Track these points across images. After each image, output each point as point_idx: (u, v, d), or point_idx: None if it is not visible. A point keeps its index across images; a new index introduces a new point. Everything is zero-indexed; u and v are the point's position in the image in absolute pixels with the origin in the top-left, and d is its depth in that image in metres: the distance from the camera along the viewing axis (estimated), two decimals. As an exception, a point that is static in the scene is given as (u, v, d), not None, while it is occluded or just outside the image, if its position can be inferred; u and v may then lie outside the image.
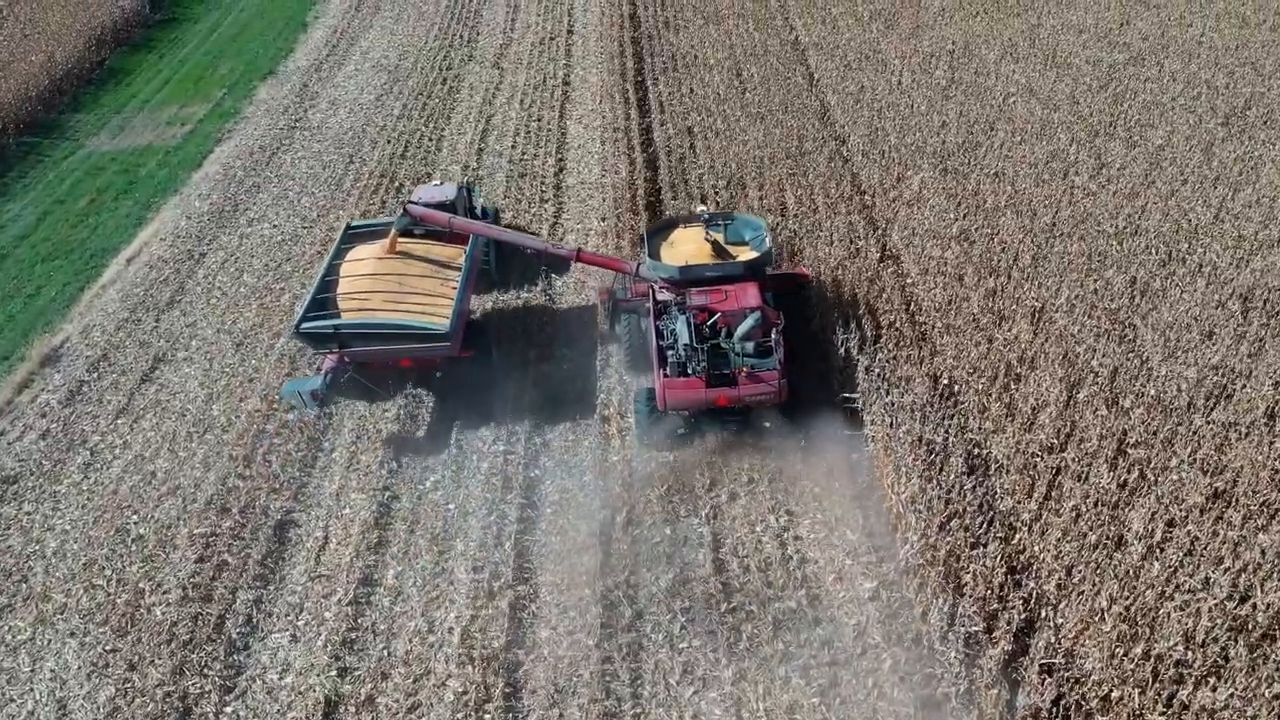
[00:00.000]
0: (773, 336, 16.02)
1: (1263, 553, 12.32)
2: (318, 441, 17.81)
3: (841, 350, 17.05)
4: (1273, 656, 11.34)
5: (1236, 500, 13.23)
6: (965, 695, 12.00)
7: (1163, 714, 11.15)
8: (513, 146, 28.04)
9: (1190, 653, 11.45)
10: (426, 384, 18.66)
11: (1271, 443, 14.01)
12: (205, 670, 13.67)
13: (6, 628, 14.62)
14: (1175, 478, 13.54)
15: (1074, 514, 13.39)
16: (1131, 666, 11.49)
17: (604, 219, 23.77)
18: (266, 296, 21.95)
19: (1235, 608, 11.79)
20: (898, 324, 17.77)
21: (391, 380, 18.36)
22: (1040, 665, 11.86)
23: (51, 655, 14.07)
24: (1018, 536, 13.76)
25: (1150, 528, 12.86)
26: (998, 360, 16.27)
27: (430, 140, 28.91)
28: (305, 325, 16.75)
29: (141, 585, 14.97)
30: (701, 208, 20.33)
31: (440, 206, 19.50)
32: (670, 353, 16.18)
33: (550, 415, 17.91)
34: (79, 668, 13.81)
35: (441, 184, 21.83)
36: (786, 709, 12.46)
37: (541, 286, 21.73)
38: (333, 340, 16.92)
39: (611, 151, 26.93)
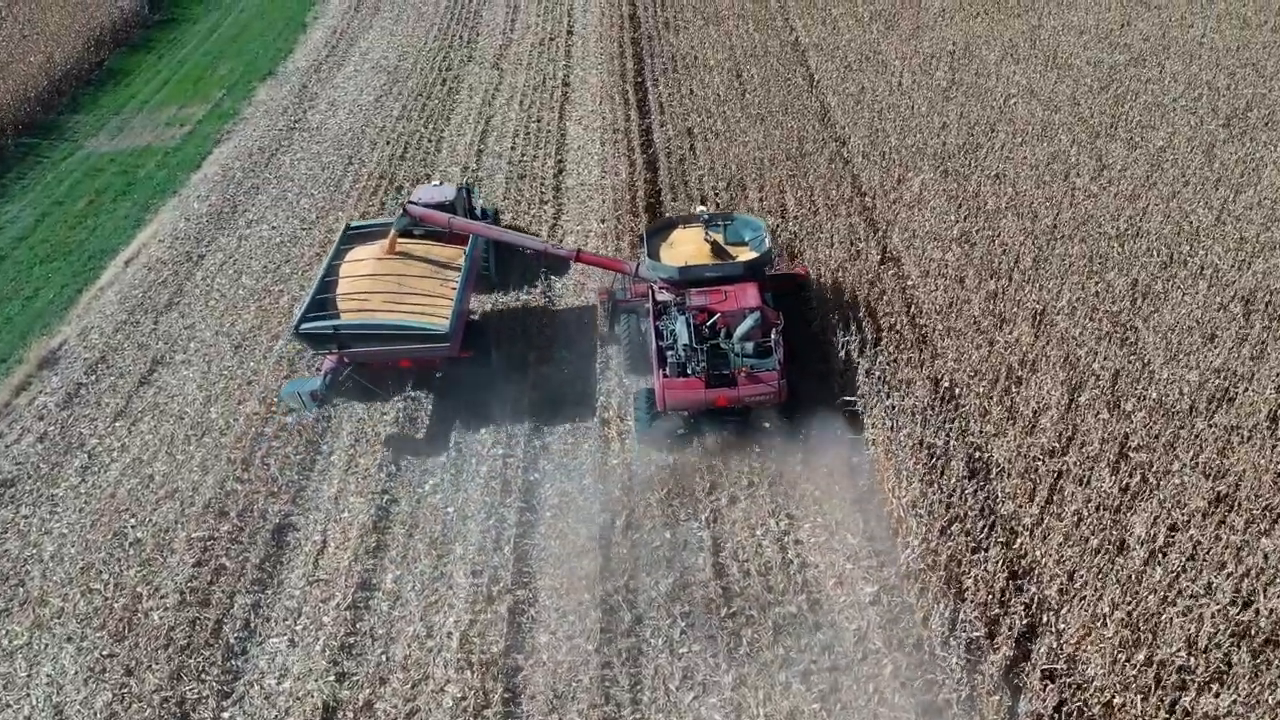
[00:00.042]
0: (772, 337, 15.99)
1: (1265, 558, 12.28)
2: (316, 444, 17.75)
3: (842, 353, 17.00)
4: (1276, 663, 11.30)
5: (1239, 505, 13.18)
6: (967, 701, 11.96)
7: (1165, 720, 11.12)
8: (512, 148, 27.98)
9: (1193, 659, 11.40)
10: (426, 385, 18.62)
11: (1274, 446, 13.96)
12: (203, 675, 13.60)
13: (3, 632, 14.55)
14: (1177, 482, 13.49)
15: (1076, 518, 13.33)
16: (1134, 672, 11.44)
17: (604, 220, 23.71)
18: (265, 298, 21.89)
19: (1238, 613, 11.74)
20: (898, 326, 17.72)
21: (391, 381, 18.34)
22: (1042, 671, 11.81)
23: (48, 660, 14.01)
24: (1019, 541, 13.69)
25: (1152, 532, 12.81)
26: (999, 363, 16.22)
27: (430, 141, 28.85)
28: (305, 326, 16.72)
29: (139, 589, 14.91)
30: (701, 208, 20.29)
31: (440, 207, 19.45)
32: (670, 353, 16.15)
33: (549, 418, 17.86)
34: (76, 673, 13.75)
35: (441, 184, 21.77)
36: (787, 714, 12.41)
37: (541, 288, 21.67)
38: (332, 341, 16.88)
39: (611, 153, 26.87)
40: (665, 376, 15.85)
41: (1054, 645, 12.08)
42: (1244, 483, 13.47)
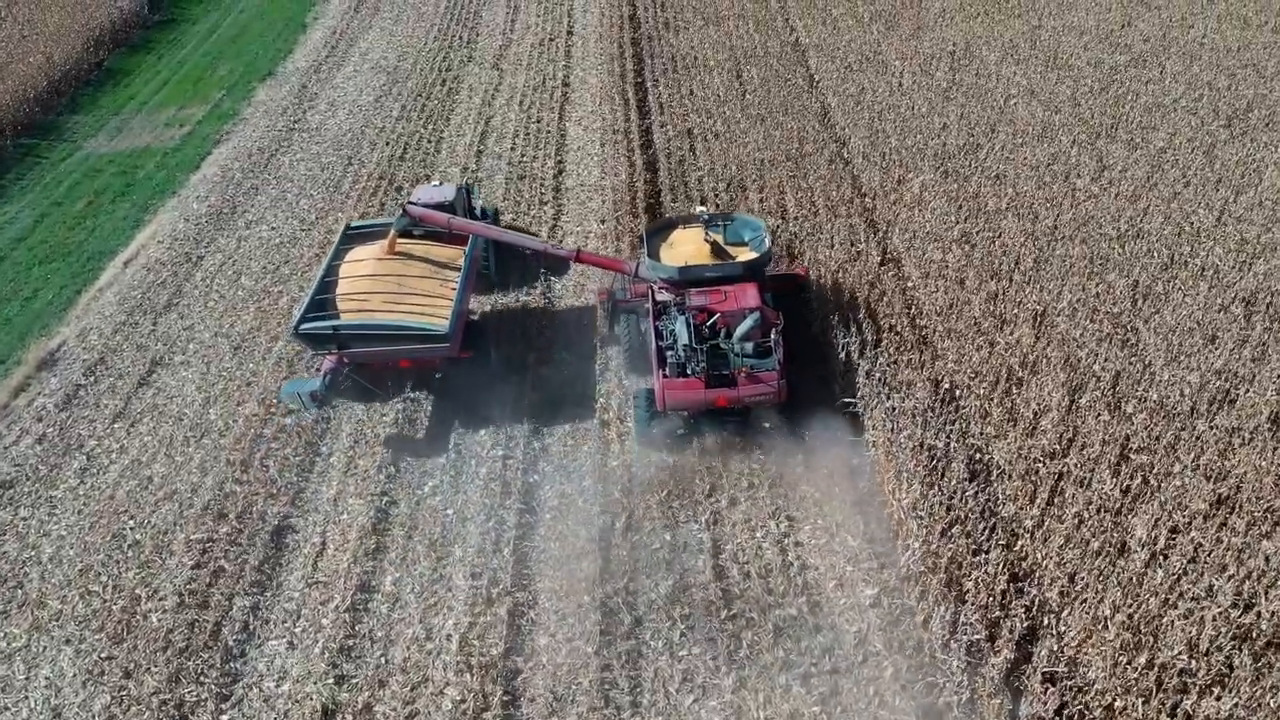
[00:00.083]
0: (772, 337, 15.97)
1: (1267, 560, 12.24)
2: (315, 446, 17.72)
3: (842, 354, 16.97)
4: (1277, 666, 11.26)
5: (1240, 507, 13.14)
6: (967, 704, 11.93)
7: (1166, 724, 11.09)
8: (512, 148, 27.95)
9: (1194, 662, 11.37)
10: (425, 386, 18.59)
11: (1275, 448, 13.93)
12: (201, 678, 13.57)
13: (2, 634, 14.51)
14: (1178, 484, 13.45)
15: (1076, 520, 13.29)
16: (1135, 675, 11.41)
17: (603, 221, 23.68)
18: (264, 299, 21.85)
19: (1239, 616, 11.70)
20: (898, 328, 17.68)
21: (390, 381, 18.32)
22: (1043, 674, 11.78)
23: (47, 662, 13.98)
24: (1020, 543, 13.66)
25: (1153, 534, 12.77)
26: (999, 365, 16.18)
27: (429, 142, 28.82)
28: (304, 326, 16.70)
29: (138, 591, 14.88)
30: (700, 208, 20.26)
31: (439, 207, 19.42)
32: (670, 353, 16.14)
33: (549, 419, 17.82)
34: (74, 675, 13.71)
35: (441, 184, 21.75)
36: (787, 717, 12.38)
37: (540, 288, 21.65)
38: (332, 341, 16.86)
39: (611, 153, 26.83)
40: (665, 377, 15.83)
41: (1055, 648, 12.05)
42: (1245, 485, 13.44)
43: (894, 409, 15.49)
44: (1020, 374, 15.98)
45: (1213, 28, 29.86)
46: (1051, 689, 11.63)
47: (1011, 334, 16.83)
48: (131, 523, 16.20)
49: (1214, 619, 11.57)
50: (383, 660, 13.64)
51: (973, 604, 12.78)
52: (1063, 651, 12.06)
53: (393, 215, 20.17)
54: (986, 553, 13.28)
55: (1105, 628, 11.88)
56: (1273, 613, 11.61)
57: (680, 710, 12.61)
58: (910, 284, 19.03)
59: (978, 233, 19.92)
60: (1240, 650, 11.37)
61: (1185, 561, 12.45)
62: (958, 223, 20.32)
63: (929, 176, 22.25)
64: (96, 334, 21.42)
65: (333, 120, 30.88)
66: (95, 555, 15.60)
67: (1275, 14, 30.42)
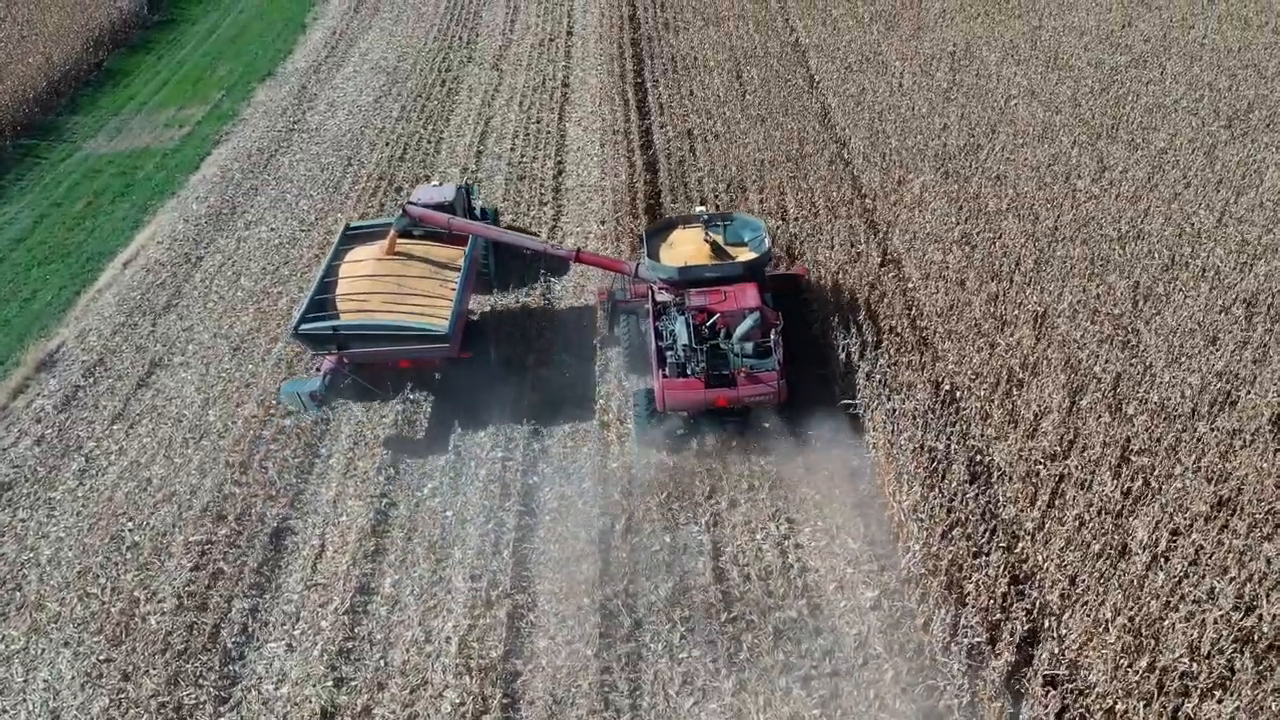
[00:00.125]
0: (772, 337, 15.94)
1: (1268, 562, 12.21)
2: (314, 447, 17.69)
3: (842, 355, 16.94)
4: (1279, 669, 11.21)
5: (1241, 509, 13.11)
6: (968, 708, 11.89)
7: (1168, 727, 11.05)
8: (512, 149, 27.92)
9: (1195, 665, 11.34)
10: (425, 387, 18.55)
11: (1277, 450, 13.90)
12: (200, 680, 13.53)
13: (0, 637, 14.48)
14: (1179, 486, 13.43)
15: (1077, 523, 13.27)
16: (1136, 679, 11.38)
17: (603, 222, 23.64)
18: (264, 300, 21.82)
19: (1241, 619, 11.67)
20: (899, 329, 17.65)
21: (390, 382, 18.28)
22: (1044, 677, 11.73)
23: (45, 665, 13.94)
24: (1021, 545, 13.63)
25: (1154, 537, 12.74)
26: (1000, 366, 16.16)
27: (429, 142, 28.79)
28: (304, 326, 16.68)
29: (136, 594, 14.84)
30: (700, 208, 20.23)
31: (439, 207, 19.40)
32: (669, 353, 16.13)
33: (549, 420, 17.79)
34: (73, 678, 13.67)
35: (440, 185, 21.72)
36: (787, 720, 12.35)
37: (540, 289, 21.62)
38: (331, 341, 16.83)
39: (611, 154, 26.80)
40: (665, 377, 15.82)
41: (1056, 651, 12.01)
42: (1246, 487, 13.41)
43: (894, 410, 15.46)
44: (1021, 375, 15.95)
45: (1213, 28, 29.83)
46: (1052, 692, 11.59)
47: (1012, 335, 16.80)
48: (130, 524, 16.17)
49: (1215, 622, 11.54)
50: (382, 663, 13.60)
51: (973, 606, 12.75)
52: (1064, 654, 12.03)
53: (392, 215, 20.15)
54: (987, 555, 13.24)
55: (1106, 630, 11.86)
56: (1274, 615, 11.59)
57: (680, 713, 12.57)
58: (911, 285, 19.00)
59: (978, 234, 19.89)
60: (1242, 653, 11.34)
61: (1186, 564, 12.43)
62: (958, 224, 20.30)
63: (929, 177, 22.22)
64: (95, 335, 21.39)
65: (332, 121, 30.85)
66: (94, 557, 15.56)
67: (1276, 14, 30.39)
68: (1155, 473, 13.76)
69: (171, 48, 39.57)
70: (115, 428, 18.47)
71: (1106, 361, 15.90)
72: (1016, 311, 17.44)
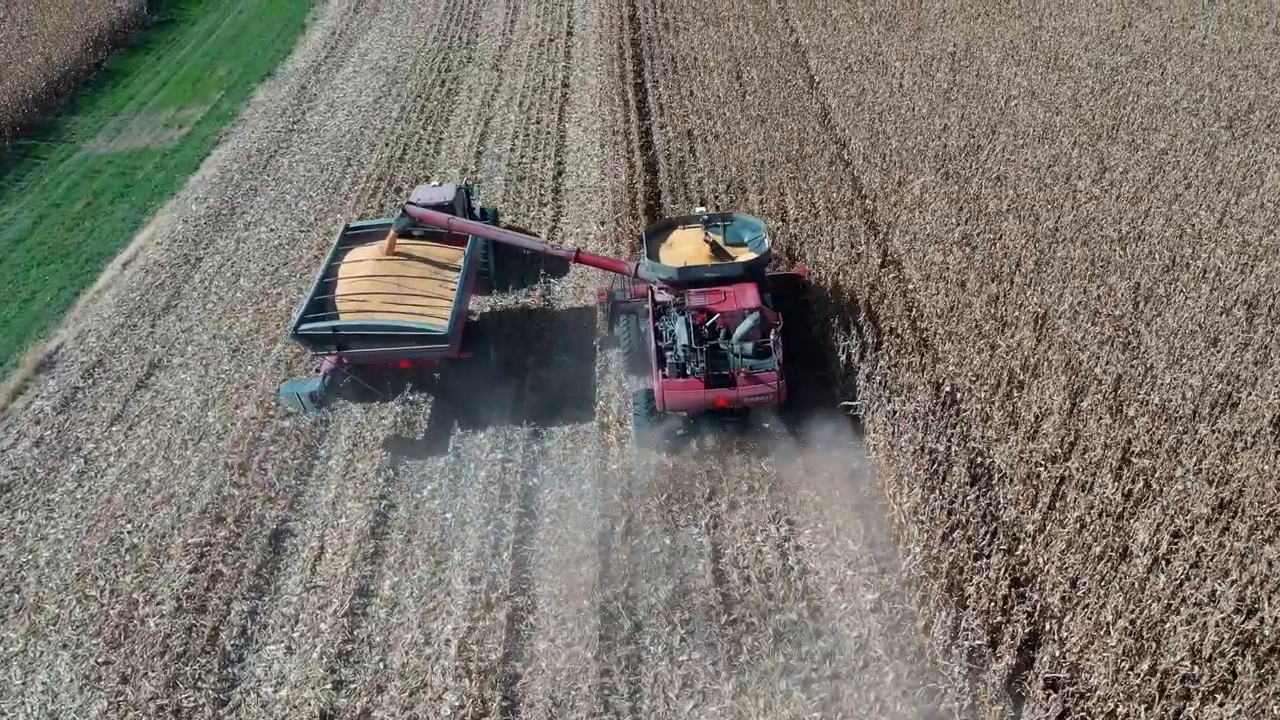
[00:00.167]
0: (771, 337, 15.92)
1: (1270, 565, 12.18)
2: (314, 449, 17.66)
3: (842, 357, 16.91)
4: (1281, 672, 11.20)
5: (1243, 511, 13.07)
6: (969, 710, 11.86)
7: (1169, 730, 11.02)
8: (512, 149, 27.90)
9: (1197, 668, 11.30)
10: (425, 388, 18.52)
11: (1278, 452, 13.86)
12: (199, 683, 13.49)
13: (-1, 639, 14.49)
14: (1180, 488, 13.40)
15: (1078, 525, 13.23)
16: (1137, 682, 11.35)
17: (603, 223, 23.62)
18: (263, 301, 21.79)
19: (1242, 622, 11.63)
20: (899, 330, 17.62)
21: (389, 382, 18.25)
22: (1045, 680, 11.71)
23: (43, 667, 13.90)
24: (1021, 548, 13.59)
25: (1155, 539, 12.70)
26: (1000, 368, 16.12)
27: (429, 143, 28.76)
28: (304, 327, 16.66)
29: (135, 596, 14.81)
30: (700, 209, 20.21)
31: (439, 207, 19.37)
32: (669, 354, 16.11)
33: (548, 421, 17.76)
34: (71, 680, 13.64)
35: (440, 185, 21.70)
36: (787, 723, 12.32)
37: (540, 289, 21.59)
38: (331, 342, 16.81)
39: (611, 155, 26.77)
40: (665, 377, 15.81)
41: (1057, 654, 11.98)
42: (1248, 489, 13.37)
43: (895, 412, 15.43)
44: (1021, 377, 15.92)
45: (1214, 29, 29.79)
46: (1053, 695, 11.57)
47: (1012, 337, 16.77)
48: (129, 526, 16.14)
49: (1217, 624, 11.50)
50: (381, 665, 13.57)
51: (974, 609, 12.72)
52: (1064, 657, 12.00)
53: (392, 216, 20.13)
54: (988, 557, 13.21)
55: (1107, 633, 11.82)
56: (1276, 618, 11.54)
57: (680, 716, 12.54)
58: (911, 286, 18.97)
59: (978, 234, 19.86)
60: (1243, 656, 11.30)
61: (1187, 566, 12.40)
62: (958, 224, 20.26)
63: (929, 178, 22.19)
64: (94, 336, 21.36)
65: (332, 121, 30.82)
66: (92, 559, 15.53)
67: (1276, 15, 30.35)
68: (1156, 475, 13.73)
69: (171, 48, 39.55)
70: (114, 429, 18.44)
71: (1107, 363, 15.87)
72: (1017, 313, 17.42)
